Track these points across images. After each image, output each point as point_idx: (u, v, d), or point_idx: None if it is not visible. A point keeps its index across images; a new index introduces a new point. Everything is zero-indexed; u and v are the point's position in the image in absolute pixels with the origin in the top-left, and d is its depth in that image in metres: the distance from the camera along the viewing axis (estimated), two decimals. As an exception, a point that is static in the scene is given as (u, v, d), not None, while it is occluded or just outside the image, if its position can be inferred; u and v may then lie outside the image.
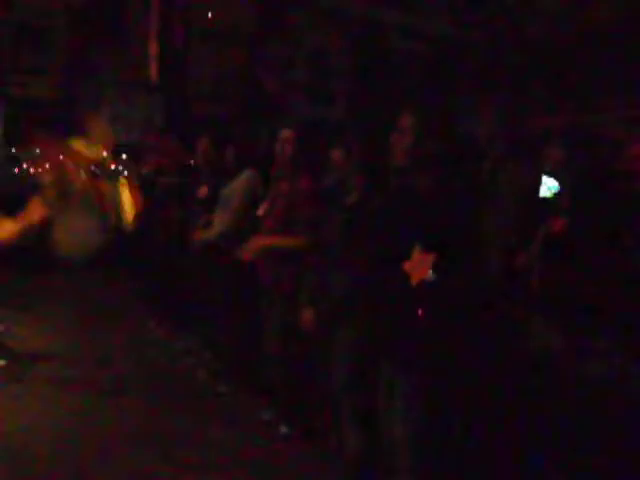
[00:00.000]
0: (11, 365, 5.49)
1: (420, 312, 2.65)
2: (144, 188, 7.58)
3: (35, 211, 3.11)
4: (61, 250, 3.36)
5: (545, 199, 4.21)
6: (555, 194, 3.91)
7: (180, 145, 7.10)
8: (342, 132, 3.78)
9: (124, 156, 10.95)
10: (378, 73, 8.29)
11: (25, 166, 11.09)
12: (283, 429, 4.42)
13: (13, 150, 10.35)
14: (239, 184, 5.20)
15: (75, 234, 3.43)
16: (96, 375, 5.57)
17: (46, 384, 5.26)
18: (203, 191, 5.97)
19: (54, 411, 4.74)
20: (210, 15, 9.14)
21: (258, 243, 4.48)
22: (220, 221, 5.25)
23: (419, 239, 2.63)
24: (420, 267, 2.61)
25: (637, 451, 2.95)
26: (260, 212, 4.61)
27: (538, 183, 4.39)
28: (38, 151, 10.92)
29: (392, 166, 2.82)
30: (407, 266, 2.64)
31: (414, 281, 2.62)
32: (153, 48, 9.81)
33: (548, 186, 4.27)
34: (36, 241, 3.31)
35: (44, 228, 3.19)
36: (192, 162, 6.93)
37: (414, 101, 2.88)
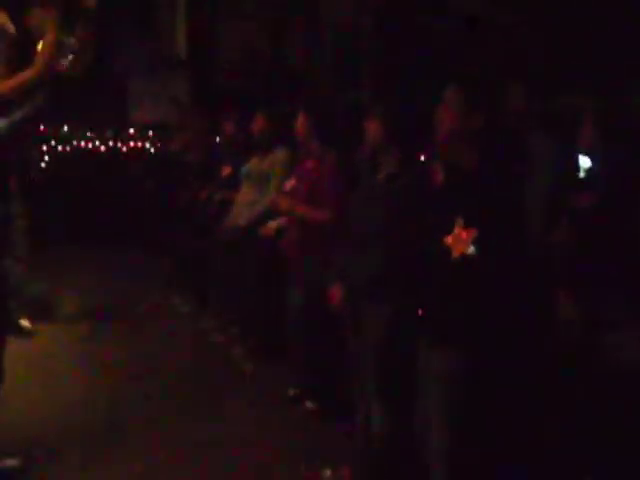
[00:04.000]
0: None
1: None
2: (171, 166, 7.60)
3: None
4: None
5: (579, 178, 4.15)
6: (587, 171, 3.85)
7: (206, 123, 7.08)
8: (375, 106, 3.71)
9: (150, 133, 10.98)
10: (406, 49, 8.21)
11: (53, 144, 11.19)
12: (309, 405, 4.43)
13: (42, 127, 10.40)
14: (277, 164, 5.15)
15: None
16: (121, 348, 5.65)
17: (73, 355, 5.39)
18: (227, 170, 5.97)
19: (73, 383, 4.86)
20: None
21: (288, 203, 4.48)
22: (253, 201, 5.22)
23: (461, 213, 2.61)
24: (461, 241, 2.59)
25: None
26: (286, 189, 4.60)
27: (571, 161, 4.32)
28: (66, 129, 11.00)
29: (435, 139, 2.78)
30: (448, 240, 2.62)
31: (455, 255, 2.60)
32: (181, 25, 9.79)
33: (581, 166, 4.21)
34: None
35: None
36: (217, 140, 6.93)
37: (459, 73, 2.82)
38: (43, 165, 10.93)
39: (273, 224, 4.94)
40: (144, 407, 4.49)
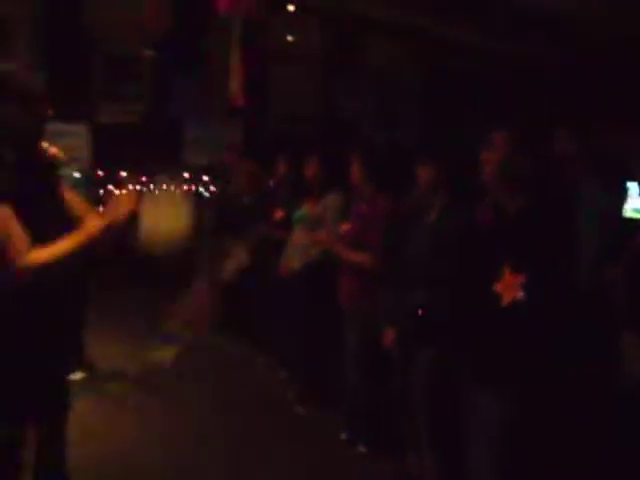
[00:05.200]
0: (88, 380, 5.61)
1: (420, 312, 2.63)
2: (224, 209, 7.72)
3: (120, 205, 2.75)
4: (146, 245, 3.02)
5: (631, 219, 4.12)
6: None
7: (258, 166, 7.20)
8: (425, 151, 3.76)
9: (205, 177, 11.21)
10: (450, 93, 8.32)
11: (110, 188, 11.50)
12: (361, 449, 4.42)
13: (100, 173, 10.73)
14: (330, 209, 5.22)
15: (162, 226, 3.14)
16: (172, 393, 5.67)
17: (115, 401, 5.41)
18: (279, 213, 6.05)
19: (122, 430, 4.83)
20: (290, 39, 9.31)
21: (330, 242, 4.53)
22: (306, 245, 5.28)
23: (509, 258, 2.60)
24: (511, 287, 2.57)
25: None
26: (341, 231, 4.65)
27: (622, 201, 4.29)
28: (123, 174, 11.29)
29: (481, 183, 2.79)
30: (498, 286, 2.62)
31: (505, 302, 2.59)
32: (235, 71, 10.03)
33: (635, 206, 4.19)
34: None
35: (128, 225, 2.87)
36: (271, 183, 7.04)
37: (505, 117, 2.84)
38: (101, 209, 11.19)
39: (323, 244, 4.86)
40: (195, 451, 4.52)
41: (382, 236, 4.22)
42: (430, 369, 3.37)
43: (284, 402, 5.39)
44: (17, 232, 2.48)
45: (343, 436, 4.56)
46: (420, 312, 2.85)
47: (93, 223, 2.68)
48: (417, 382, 3.47)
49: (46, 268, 2.52)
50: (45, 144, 2.85)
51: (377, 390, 4.32)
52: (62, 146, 3.78)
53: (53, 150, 3.22)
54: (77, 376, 5.56)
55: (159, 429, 4.86)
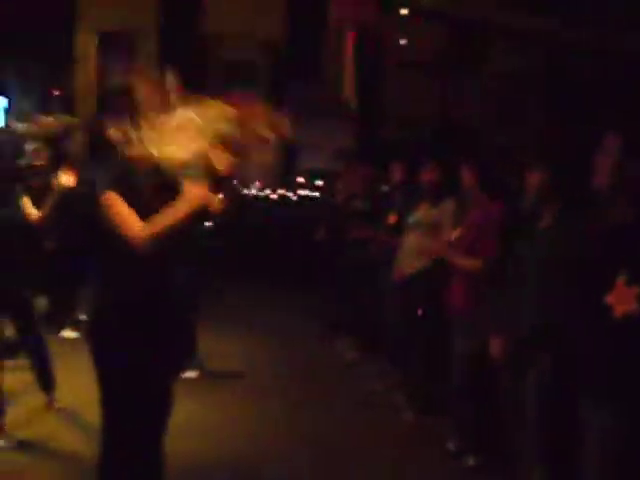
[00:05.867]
0: (201, 378, 5.78)
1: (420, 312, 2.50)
2: (336, 214, 7.77)
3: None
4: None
5: None
6: None
7: (372, 171, 7.21)
8: (533, 154, 3.65)
9: (319, 182, 11.32)
10: (568, 94, 8.04)
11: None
12: (470, 460, 4.32)
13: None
14: (446, 215, 5.17)
15: None
16: (278, 394, 5.72)
17: (228, 399, 5.52)
18: (393, 218, 6.03)
19: (232, 425, 4.92)
20: (404, 42, 9.28)
21: (441, 248, 4.48)
22: (420, 250, 5.24)
23: (623, 269, 2.48)
24: (624, 299, 2.45)
25: None
26: (452, 238, 4.59)
27: None
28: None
29: (593, 189, 2.66)
30: (610, 298, 2.49)
31: (617, 314, 2.47)
32: (348, 77, 10.14)
33: None
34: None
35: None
36: (385, 188, 7.03)
37: (620, 119, 2.69)
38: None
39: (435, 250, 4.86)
40: (299, 452, 4.53)
41: (496, 244, 4.13)
42: (543, 382, 3.25)
43: (392, 408, 5.35)
44: (125, 210, 2.65)
45: (450, 446, 4.48)
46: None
47: (193, 192, 2.66)
48: (528, 395, 3.35)
49: (158, 239, 2.63)
50: None
51: (487, 400, 4.22)
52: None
53: None
54: (190, 375, 5.75)
55: (264, 429, 4.93)
